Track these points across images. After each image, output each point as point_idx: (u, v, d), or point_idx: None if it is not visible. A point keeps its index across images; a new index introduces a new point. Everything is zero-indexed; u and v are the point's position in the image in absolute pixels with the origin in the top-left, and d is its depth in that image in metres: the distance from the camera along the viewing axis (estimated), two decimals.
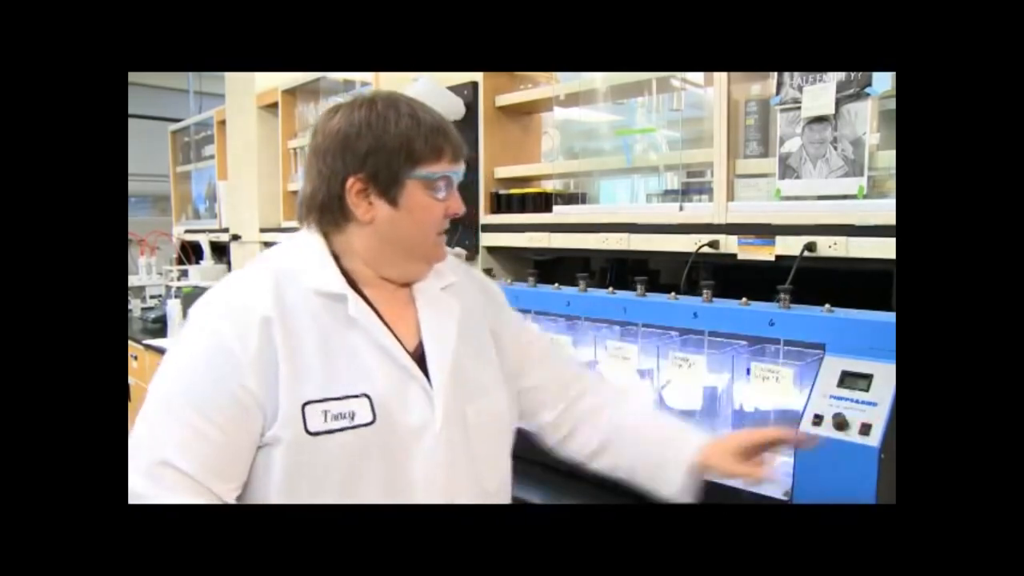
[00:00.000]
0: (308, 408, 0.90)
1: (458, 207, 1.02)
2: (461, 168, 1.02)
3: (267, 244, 3.79)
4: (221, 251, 4.22)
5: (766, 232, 1.63)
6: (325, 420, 0.91)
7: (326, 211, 0.99)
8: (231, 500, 0.90)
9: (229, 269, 4.10)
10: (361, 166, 0.95)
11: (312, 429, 0.90)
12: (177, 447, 0.86)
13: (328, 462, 0.92)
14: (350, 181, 0.96)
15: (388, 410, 0.94)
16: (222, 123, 4.11)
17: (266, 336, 0.90)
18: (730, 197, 1.72)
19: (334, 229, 1.00)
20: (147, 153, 6.10)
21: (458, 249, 2.44)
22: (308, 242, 1.01)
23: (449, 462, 0.98)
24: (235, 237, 3.95)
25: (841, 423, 1.12)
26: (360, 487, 0.94)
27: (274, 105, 3.62)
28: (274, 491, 0.92)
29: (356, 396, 0.92)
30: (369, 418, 0.92)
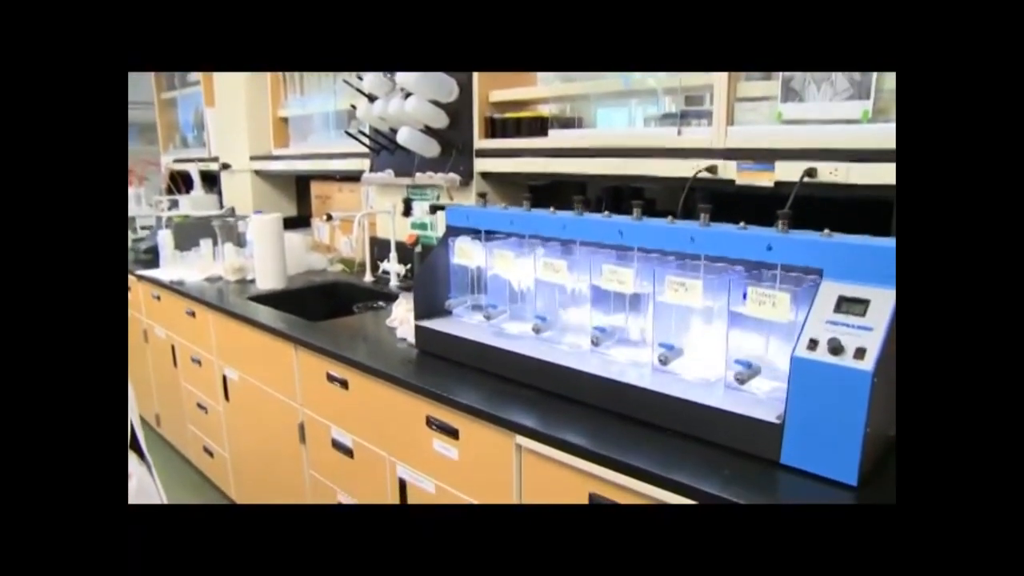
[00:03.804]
0: None
1: None
2: None
3: (258, 172, 3.73)
4: (212, 180, 4.16)
5: (766, 157, 1.60)
6: None
7: None
8: None
9: (220, 198, 4.05)
10: None
11: None
12: None
13: None
14: None
15: None
16: None
17: None
18: (730, 121, 1.68)
19: None
20: (129, 79, 5.95)
21: (452, 175, 2.40)
22: None
23: None
24: (225, 166, 3.89)
25: (836, 348, 1.12)
26: None
27: None
28: None
29: None
30: None
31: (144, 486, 0.93)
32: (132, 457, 1.22)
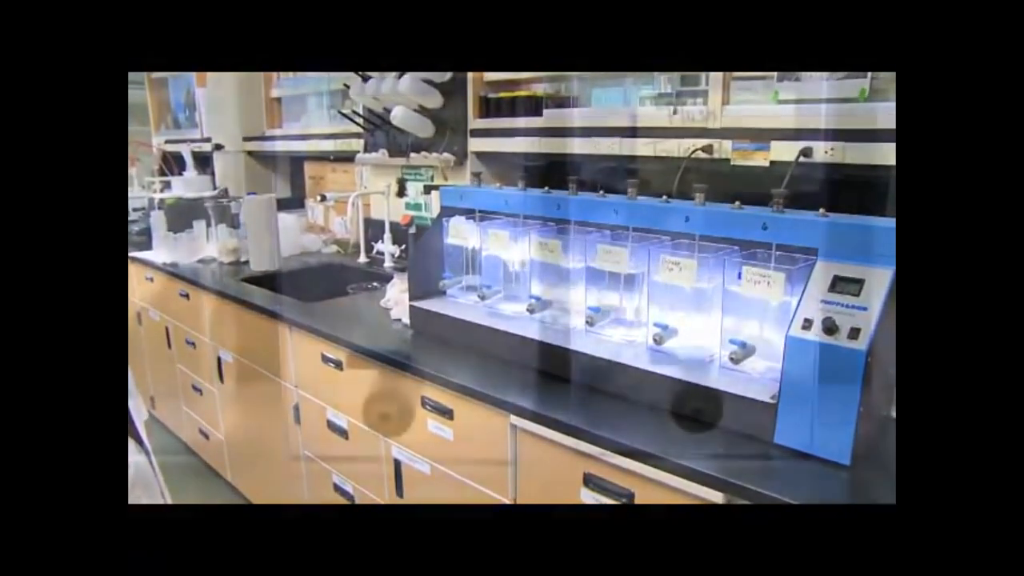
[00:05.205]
0: None
1: None
2: None
3: (251, 153, 3.71)
4: (204, 161, 4.12)
5: (762, 137, 1.59)
6: None
7: None
8: None
9: (213, 179, 4.02)
10: None
11: None
12: None
13: None
14: None
15: None
16: None
17: None
18: (726, 101, 1.67)
19: None
20: None
21: (446, 155, 2.39)
22: None
23: None
24: (218, 147, 3.86)
25: (831, 327, 1.11)
26: None
27: None
28: None
29: None
30: None
31: (143, 473, 0.92)
32: (131, 445, 1.22)
